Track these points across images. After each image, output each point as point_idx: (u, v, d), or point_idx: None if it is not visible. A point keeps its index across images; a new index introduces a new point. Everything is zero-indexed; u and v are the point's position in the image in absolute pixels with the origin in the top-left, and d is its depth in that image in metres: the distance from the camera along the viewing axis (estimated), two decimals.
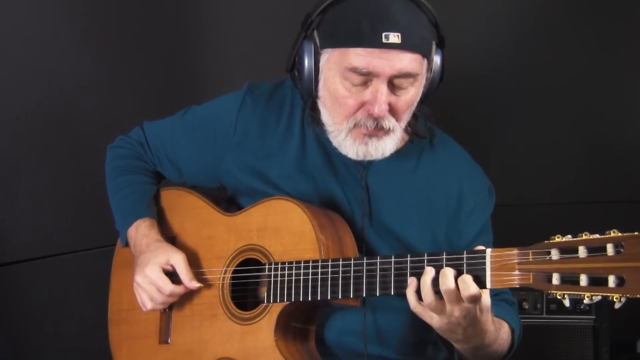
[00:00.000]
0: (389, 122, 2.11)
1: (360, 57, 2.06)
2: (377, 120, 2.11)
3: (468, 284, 1.87)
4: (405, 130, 2.26)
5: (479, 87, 3.40)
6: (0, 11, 2.91)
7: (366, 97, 2.10)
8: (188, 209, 2.38)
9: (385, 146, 2.15)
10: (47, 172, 3.07)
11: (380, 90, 2.07)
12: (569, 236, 1.78)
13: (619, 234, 1.72)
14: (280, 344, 2.13)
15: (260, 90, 2.35)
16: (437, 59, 2.17)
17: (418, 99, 2.17)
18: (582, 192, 3.42)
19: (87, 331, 2.90)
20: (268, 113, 2.32)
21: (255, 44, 3.30)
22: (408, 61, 2.07)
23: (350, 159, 2.22)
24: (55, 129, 3.08)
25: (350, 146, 2.16)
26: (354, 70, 2.07)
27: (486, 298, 1.93)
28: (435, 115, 2.33)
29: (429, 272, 1.93)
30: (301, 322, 2.19)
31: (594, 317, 3.04)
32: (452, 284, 1.89)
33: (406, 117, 2.17)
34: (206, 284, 2.26)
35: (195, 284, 2.24)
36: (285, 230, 2.16)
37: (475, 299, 1.89)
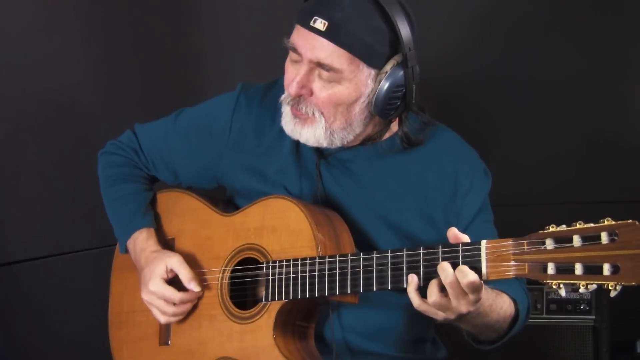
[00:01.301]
0: (308, 108, 2.16)
1: (294, 34, 2.14)
2: (294, 100, 2.17)
3: (465, 273, 1.88)
4: (394, 126, 2.27)
5: (478, 87, 3.40)
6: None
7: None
8: (186, 211, 2.39)
9: (306, 133, 2.19)
10: (47, 172, 3.08)
11: (299, 70, 2.13)
12: (564, 226, 1.78)
13: (613, 222, 1.73)
14: (280, 342, 2.13)
15: (253, 89, 2.38)
16: (395, 76, 2.13)
17: (357, 104, 2.16)
18: (581, 192, 3.40)
19: (87, 331, 2.90)
20: (263, 112, 2.34)
21: (254, 44, 3.32)
22: (328, 52, 2.10)
23: (342, 153, 2.25)
24: (55, 129, 3.09)
25: (283, 120, 2.22)
26: (288, 44, 2.15)
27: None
28: (435, 114, 2.34)
29: (412, 282, 1.96)
30: (300, 320, 2.20)
31: (594, 317, 3.02)
32: (453, 276, 1.89)
33: (333, 115, 2.16)
34: (205, 284, 2.27)
35: (195, 287, 2.25)
36: (283, 228, 2.18)
37: (476, 287, 1.89)
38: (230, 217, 2.29)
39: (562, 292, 1.79)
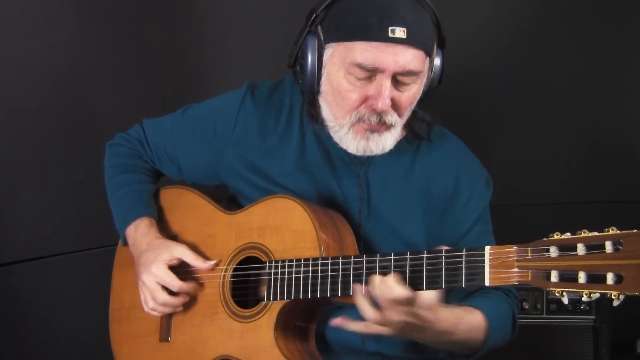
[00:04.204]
0: (392, 117, 2.13)
1: (366, 52, 2.08)
2: (380, 115, 2.12)
3: (390, 286, 1.90)
4: (404, 127, 2.28)
5: (479, 87, 3.41)
6: (1, 10, 2.92)
7: (370, 92, 2.11)
8: (189, 208, 2.38)
9: (386, 141, 2.17)
10: (47, 171, 3.06)
11: (384, 85, 2.09)
12: (568, 234, 1.78)
13: (618, 231, 1.72)
14: (280, 342, 2.13)
15: (260, 89, 2.37)
16: (437, 60, 2.20)
17: (419, 96, 2.19)
18: (582, 192, 3.42)
19: (88, 331, 2.91)
20: (267, 112, 2.33)
21: (255, 43, 3.31)
22: (412, 57, 2.09)
23: (349, 156, 2.25)
24: (55, 128, 3.08)
25: (351, 141, 2.17)
26: (359, 65, 2.09)
27: (427, 296, 1.95)
28: (435, 115, 2.35)
29: (358, 289, 1.97)
30: (301, 320, 2.20)
31: (594, 317, 3.05)
32: (374, 287, 1.92)
33: (407, 114, 2.19)
34: (207, 282, 2.27)
35: (210, 264, 2.24)
36: (286, 228, 2.17)
37: (401, 301, 1.89)
38: (234, 216, 2.28)
39: (565, 300, 1.80)
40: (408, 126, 2.29)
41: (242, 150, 2.33)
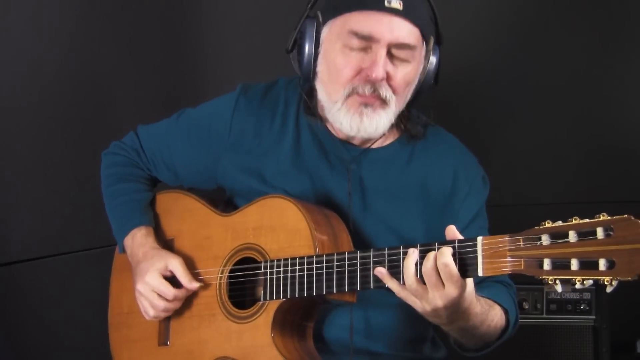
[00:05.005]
0: (386, 91, 2.15)
1: (362, 20, 2.12)
2: (374, 85, 2.14)
3: (444, 254, 1.88)
4: (398, 127, 2.28)
5: (479, 87, 3.41)
6: (1, 11, 2.96)
7: (365, 63, 2.13)
8: (185, 211, 2.39)
9: (380, 120, 2.17)
10: (48, 172, 3.08)
11: (379, 54, 2.11)
12: (560, 222, 1.78)
13: (608, 217, 1.73)
14: (278, 341, 2.13)
15: (253, 90, 2.38)
16: (433, 56, 2.21)
17: (415, 82, 2.20)
18: (582, 192, 3.41)
19: (87, 331, 2.90)
20: (262, 112, 2.34)
21: (254, 44, 3.33)
22: (407, 31, 2.12)
23: (343, 152, 2.25)
24: (55, 129, 3.09)
25: (344, 116, 2.18)
26: (355, 33, 2.12)
27: (469, 288, 1.94)
28: (435, 115, 2.35)
29: (412, 254, 1.94)
30: (298, 319, 2.19)
31: (594, 317, 3.02)
32: (431, 264, 1.89)
33: (402, 95, 2.19)
34: (204, 284, 2.27)
35: (195, 285, 2.25)
36: (281, 228, 2.18)
37: (451, 274, 1.88)
38: (229, 217, 2.29)
39: (559, 288, 1.79)
40: (403, 127, 2.30)
41: (238, 153, 2.34)
